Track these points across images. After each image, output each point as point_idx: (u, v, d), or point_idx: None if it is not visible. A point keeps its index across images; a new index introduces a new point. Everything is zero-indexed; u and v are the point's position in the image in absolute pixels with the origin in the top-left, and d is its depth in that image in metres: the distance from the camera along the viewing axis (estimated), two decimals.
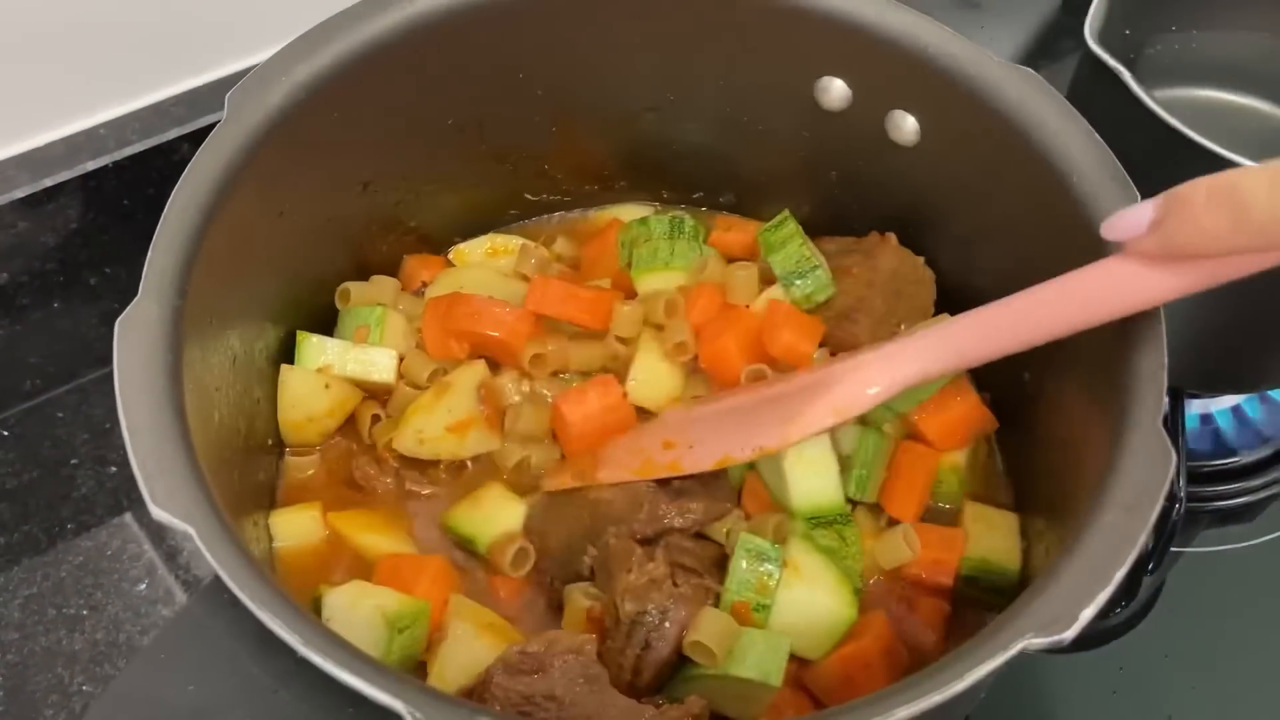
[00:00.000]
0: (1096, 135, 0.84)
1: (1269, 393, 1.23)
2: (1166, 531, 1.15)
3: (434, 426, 0.94)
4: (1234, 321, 1.09)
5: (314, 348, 0.95)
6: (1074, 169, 0.82)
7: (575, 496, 0.89)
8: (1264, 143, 1.14)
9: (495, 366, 0.99)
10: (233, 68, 1.16)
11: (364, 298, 0.99)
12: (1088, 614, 0.63)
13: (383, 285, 1.02)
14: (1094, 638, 1.11)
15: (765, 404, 0.89)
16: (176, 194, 0.78)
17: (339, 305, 1.00)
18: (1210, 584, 1.14)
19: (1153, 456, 0.69)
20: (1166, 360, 0.73)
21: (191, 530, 0.65)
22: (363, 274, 1.03)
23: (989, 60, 0.87)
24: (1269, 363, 1.15)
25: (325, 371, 0.95)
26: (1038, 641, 0.62)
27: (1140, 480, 0.68)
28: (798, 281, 0.99)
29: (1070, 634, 0.62)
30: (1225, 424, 1.23)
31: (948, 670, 0.62)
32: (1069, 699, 1.06)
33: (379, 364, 0.97)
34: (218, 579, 0.66)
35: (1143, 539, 0.66)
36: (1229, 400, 1.23)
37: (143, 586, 1.06)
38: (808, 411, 0.86)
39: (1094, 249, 0.78)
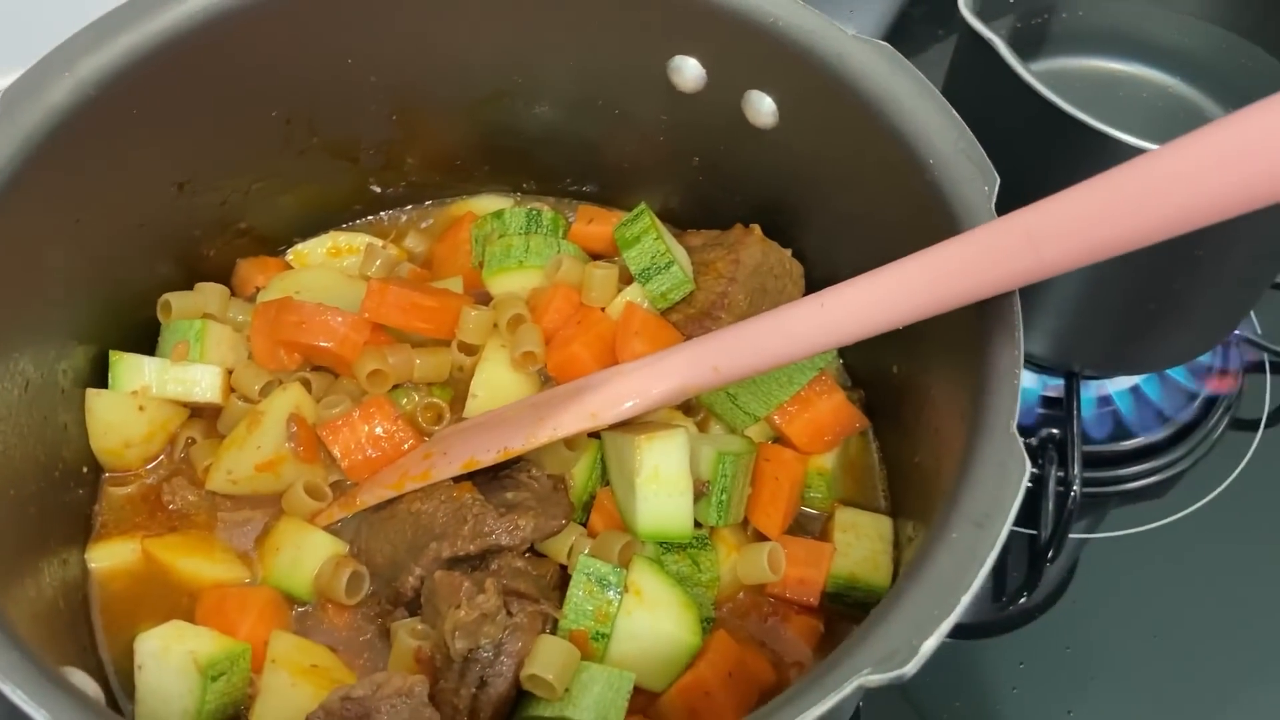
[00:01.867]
0: (953, 111, 0.78)
1: (1167, 372, 1.20)
2: (1063, 518, 1.12)
3: (243, 466, 0.86)
4: (1127, 302, 1.06)
5: (128, 368, 0.87)
6: (931, 151, 0.77)
7: (395, 511, 0.83)
8: (1153, 110, 1.10)
9: (330, 378, 0.92)
10: None
11: (186, 309, 0.92)
12: (929, 646, 0.57)
13: (207, 293, 0.94)
14: (1011, 620, 1.08)
15: (524, 409, 0.86)
16: None
17: (160, 319, 0.92)
18: (1121, 567, 1.11)
19: (1005, 466, 0.63)
20: (1021, 355, 0.68)
21: None
22: (193, 283, 0.95)
23: (841, 34, 0.81)
24: (1164, 342, 1.12)
25: (142, 393, 0.87)
26: (875, 679, 0.57)
27: (990, 492, 0.63)
28: (654, 279, 0.93)
29: (910, 668, 0.57)
30: (1124, 406, 1.20)
31: (781, 712, 0.56)
32: (979, 685, 1.04)
33: (201, 382, 0.89)
34: None
35: (991, 558, 0.60)
36: (1127, 381, 1.19)
37: None
38: (562, 415, 0.83)
39: (946, 229, 0.73)
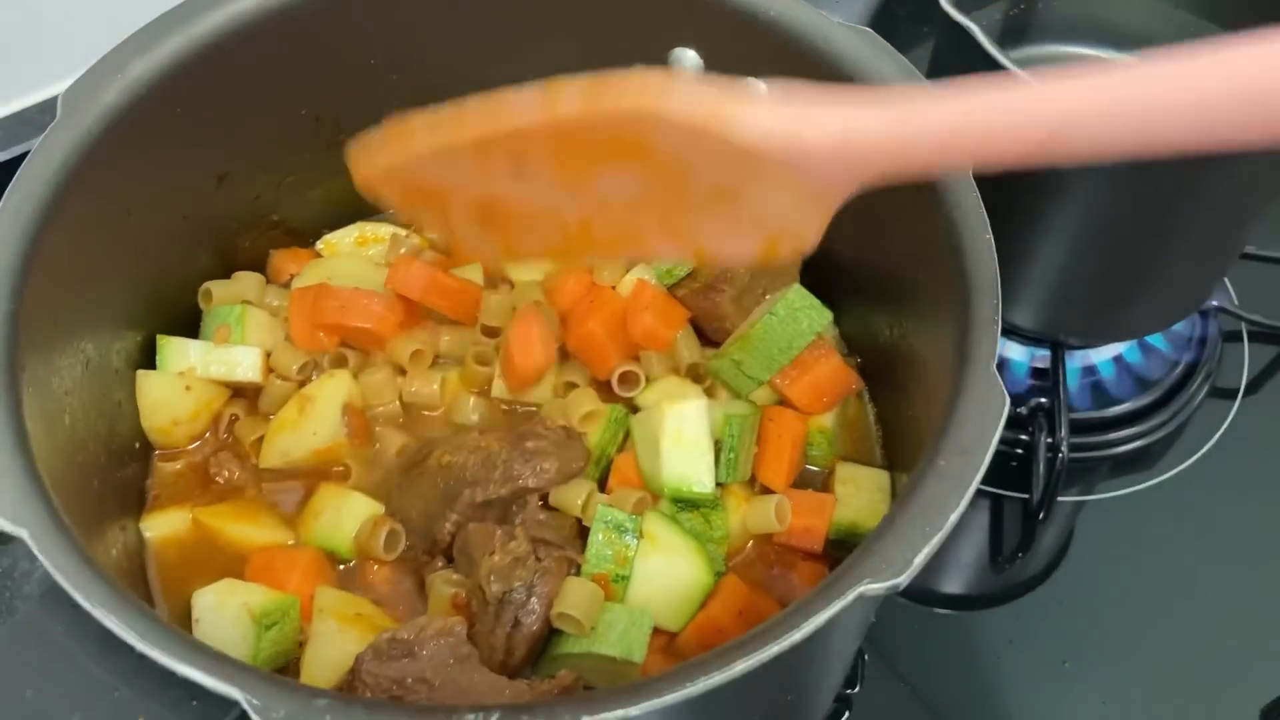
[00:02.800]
0: (932, 85, 0.84)
1: (1147, 339, 1.26)
2: (1053, 481, 1.18)
3: (300, 449, 0.93)
4: (1103, 272, 1.12)
5: (175, 351, 0.94)
6: None
7: (425, 468, 0.89)
8: None
9: (363, 355, 0.98)
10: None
11: (226, 296, 0.99)
12: (921, 559, 0.64)
13: (245, 281, 1.01)
14: (1012, 590, 1.14)
15: None
16: (7, 197, 0.77)
17: (202, 305, 0.99)
18: (1112, 528, 1.18)
19: (986, 398, 0.70)
20: (1000, 304, 0.74)
21: (24, 533, 0.64)
22: (229, 272, 1.02)
23: (828, 22, 0.88)
24: (1140, 310, 1.18)
25: (188, 374, 0.94)
26: (874, 587, 0.63)
27: (974, 424, 0.69)
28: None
29: (904, 579, 0.64)
30: (1108, 374, 1.26)
31: (786, 621, 0.63)
32: (974, 648, 1.09)
33: (243, 363, 0.96)
34: (55, 584, 0.65)
35: (975, 481, 0.67)
36: (1110, 350, 1.25)
37: None
38: None
39: (931, 207, 0.79)
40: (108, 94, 0.83)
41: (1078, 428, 1.21)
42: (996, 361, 0.72)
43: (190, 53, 0.87)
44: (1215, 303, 1.29)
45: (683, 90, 0.56)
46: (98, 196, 0.83)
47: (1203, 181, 1.01)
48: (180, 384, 0.94)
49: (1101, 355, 1.26)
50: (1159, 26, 1.20)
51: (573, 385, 0.97)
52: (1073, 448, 1.18)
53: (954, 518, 0.65)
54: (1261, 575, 1.14)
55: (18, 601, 1.04)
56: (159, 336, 0.94)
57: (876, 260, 0.94)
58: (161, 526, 0.92)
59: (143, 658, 0.61)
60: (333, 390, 0.94)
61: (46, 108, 1.13)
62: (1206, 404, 1.26)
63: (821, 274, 1.01)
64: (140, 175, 0.88)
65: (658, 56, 0.97)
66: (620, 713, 0.59)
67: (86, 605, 0.62)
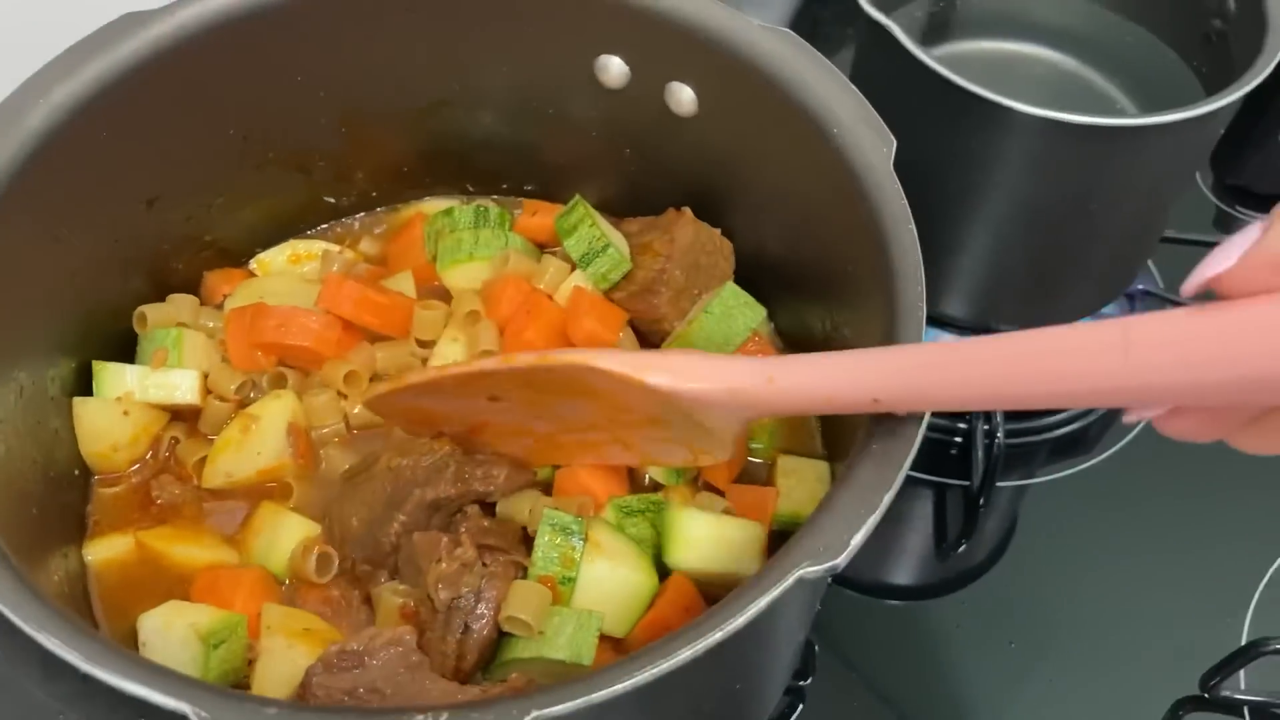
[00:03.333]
0: (851, 85, 0.87)
1: (1081, 321, 1.29)
2: (990, 466, 1.20)
3: (244, 469, 0.93)
4: (1031, 258, 1.15)
5: (112, 376, 0.93)
6: (834, 120, 0.85)
7: (372, 473, 0.89)
8: (1046, 83, 1.20)
9: (302, 374, 0.98)
10: None
11: (161, 319, 0.98)
12: (858, 539, 0.65)
13: (180, 304, 1.00)
14: (959, 578, 1.17)
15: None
16: None
17: (137, 330, 0.98)
18: (1051, 511, 1.21)
19: None
20: (924, 290, 0.76)
21: None
22: (163, 295, 1.01)
23: (747, 24, 0.90)
24: (1069, 295, 1.21)
25: (126, 399, 0.93)
26: (812, 570, 0.64)
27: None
28: (594, 262, 1.01)
29: (842, 560, 0.65)
30: None
31: (727, 608, 0.64)
32: (928, 636, 1.12)
33: (181, 386, 0.95)
34: None
35: (908, 461, 0.68)
36: None
37: None
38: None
39: (855, 201, 0.81)
40: (30, 119, 0.83)
41: (1014, 414, 1.24)
42: None
43: (114, 76, 0.86)
44: (1141, 286, 1.32)
45: (610, 355, 0.74)
46: (25, 223, 0.83)
47: (1122, 166, 1.04)
48: (118, 409, 0.93)
49: None
50: (1075, 21, 1.23)
51: None
52: (1010, 434, 1.21)
53: (888, 497, 0.67)
54: (1200, 547, 1.17)
55: None
56: (95, 362, 0.94)
57: (806, 256, 0.96)
58: (104, 551, 0.91)
59: (87, 679, 0.61)
60: (277, 410, 0.94)
61: None
62: None
63: (754, 271, 1.03)
64: (68, 200, 0.87)
65: (584, 65, 0.99)
66: (569, 705, 0.60)
67: (26, 628, 0.62)
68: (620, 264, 1.01)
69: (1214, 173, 1.51)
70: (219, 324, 1.00)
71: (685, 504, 0.90)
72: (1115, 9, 1.23)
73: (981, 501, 1.21)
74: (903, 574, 1.20)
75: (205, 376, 0.97)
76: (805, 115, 0.87)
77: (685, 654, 0.62)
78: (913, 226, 0.79)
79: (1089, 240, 1.14)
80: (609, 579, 0.84)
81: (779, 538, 0.92)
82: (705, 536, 0.86)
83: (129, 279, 0.98)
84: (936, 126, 1.05)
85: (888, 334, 0.76)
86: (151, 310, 0.98)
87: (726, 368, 0.73)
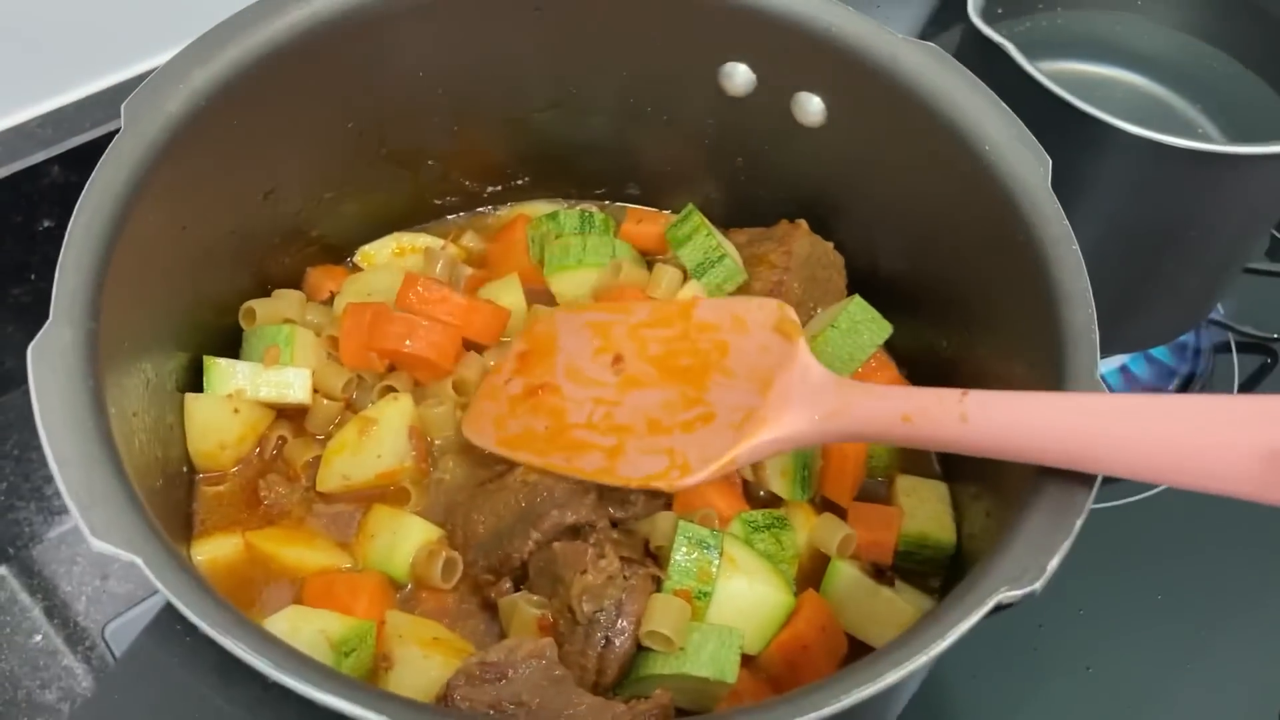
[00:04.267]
0: (1001, 102, 0.86)
1: (1150, 351, 1.29)
2: None
3: (362, 471, 0.91)
4: (1122, 281, 1.15)
5: (223, 373, 0.91)
6: (985, 137, 0.84)
7: (506, 483, 0.87)
8: (1131, 106, 1.20)
9: (410, 378, 0.96)
10: (101, 84, 1.10)
11: (270, 315, 0.95)
12: (1054, 563, 0.65)
13: (288, 299, 0.98)
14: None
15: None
16: (79, 211, 0.74)
17: (244, 325, 0.96)
18: (1112, 537, 1.18)
19: None
20: (1095, 314, 0.75)
21: (138, 559, 0.61)
22: (264, 291, 0.99)
23: (891, 36, 0.89)
24: (1151, 322, 1.21)
25: (237, 396, 0.91)
26: (1011, 594, 0.64)
27: None
28: (709, 272, 0.99)
29: (1040, 584, 0.64)
30: (1116, 383, 1.29)
31: (929, 631, 0.63)
32: (991, 662, 1.09)
33: (294, 384, 0.93)
34: (165, 612, 0.62)
35: (1096, 486, 0.68)
36: (1117, 361, 1.29)
37: (38, 639, 1.00)
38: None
39: (1008, 219, 0.80)
40: (170, 103, 0.80)
41: None
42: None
43: (248, 63, 0.84)
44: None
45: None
46: (160, 210, 0.80)
47: (1220, 194, 1.05)
48: (229, 407, 0.90)
49: (1109, 365, 1.29)
50: (1161, 46, 1.24)
51: None
52: None
53: (1079, 522, 0.66)
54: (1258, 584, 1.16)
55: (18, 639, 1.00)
56: (206, 358, 0.91)
57: (934, 272, 0.95)
58: (213, 550, 0.89)
59: (269, 686, 0.59)
60: (396, 413, 0.92)
61: (46, 122, 1.10)
62: None
63: (868, 285, 1.01)
64: (196, 188, 0.85)
65: (708, 72, 0.98)
66: None
67: (213, 633, 0.59)
68: (735, 275, 0.99)
69: None
70: (323, 320, 0.98)
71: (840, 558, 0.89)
72: (1202, 36, 1.23)
73: None
74: None
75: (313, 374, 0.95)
76: (952, 131, 0.86)
77: (891, 677, 0.60)
78: (1077, 248, 0.78)
79: (1180, 267, 1.14)
80: (746, 595, 0.83)
81: (901, 558, 0.92)
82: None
83: (237, 273, 0.96)
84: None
85: (1053, 359, 0.75)
86: (260, 305, 0.96)
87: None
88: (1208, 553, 1.18)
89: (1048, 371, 0.75)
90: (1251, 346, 1.35)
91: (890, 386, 0.80)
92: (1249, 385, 1.33)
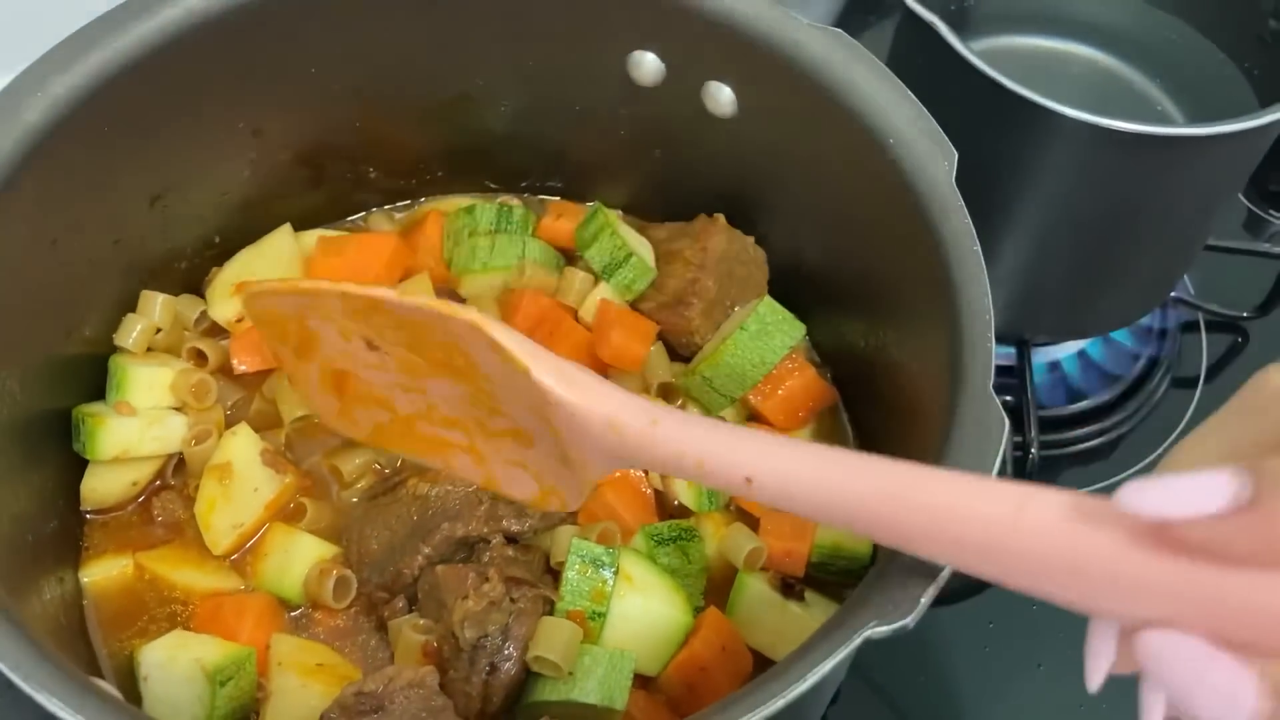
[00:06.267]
0: (909, 92, 0.82)
1: (1110, 335, 1.25)
2: (1025, 479, 1.16)
3: (249, 511, 0.88)
4: (1074, 267, 1.10)
5: (104, 436, 0.86)
6: (890, 129, 0.80)
7: (398, 496, 0.85)
8: (1085, 83, 1.15)
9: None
10: None
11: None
12: (927, 598, 0.61)
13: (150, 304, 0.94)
14: (965, 590, 1.11)
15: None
16: None
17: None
18: None
19: (985, 424, 0.67)
20: (992, 319, 0.71)
21: None
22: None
23: (796, 23, 0.84)
24: (1106, 306, 1.17)
25: (123, 456, 0.88)
26: (880, 630, 0.60)
27: (975, 448, 0.66)
28: (617, 273, 0.96)
29: (912, 620, 0.60)
30: (1072, 369, 1.25)
31: (791, 670, 0.59)
32: (946, 651, 1.06)
33: (176, 437, 0.90)
34: None
35: None
36: (1073, 346, 1.24)
37: None
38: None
39: (912, 215, 0.76)
40: (28, 113, 0.77)
41: (1041, 425, 1.19)
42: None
43: (116, 67, 0.80)
44: (1173, 294, 1.28)
45: (508, 331, 0.65)
46: (23, 225, 0.77)
47: (1174, 175, 1.00)
48: (118, 468, 0.89)
49: (1065, 350, 1.24)
50: (1115, 17, 1.18)
51: None
52: (1042, 445, 1.17)
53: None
54: None
55: None
56: (76, 413, 0.87)
57: (851, 268, 0.91)
58: (101, 572, 0.87)
59: None
60: (243, 445, 0.89)
61: None
62: (1169, 395, 1.25)
63: (789, 283, 0.98)
64: (68, 200, 0.81)
65: (616, 61, 0.93)
66: None
67: (26, 687, 0.56)
68: (645, 273, 0.96)
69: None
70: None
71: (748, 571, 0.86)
72: (1160, 5, 1.17)
73: None
74: None
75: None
76: (858, 122, 0.82)
77: None
78: (978, 247, 0.74)
79: (1133, 250, 1.09)
80: (642, 615, 0.80)
81: (815, 569, 0.88)
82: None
83: (129, 283, 0.93)
84: (977, 129, 0.99)
85: (952, 364, 0.71)
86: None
87: (615, 396, 0.64)
88: None
89: (944, 379, 0.71)
90: (1221, 325, 1.30)
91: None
92: (1218, 366, 1.29)
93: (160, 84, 0.84)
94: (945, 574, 0.61)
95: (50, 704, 0.56)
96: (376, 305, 0.68)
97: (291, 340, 0.75)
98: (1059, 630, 1.07)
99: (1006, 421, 0.67)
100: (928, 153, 0.78)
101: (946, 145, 0.79)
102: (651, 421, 0.62)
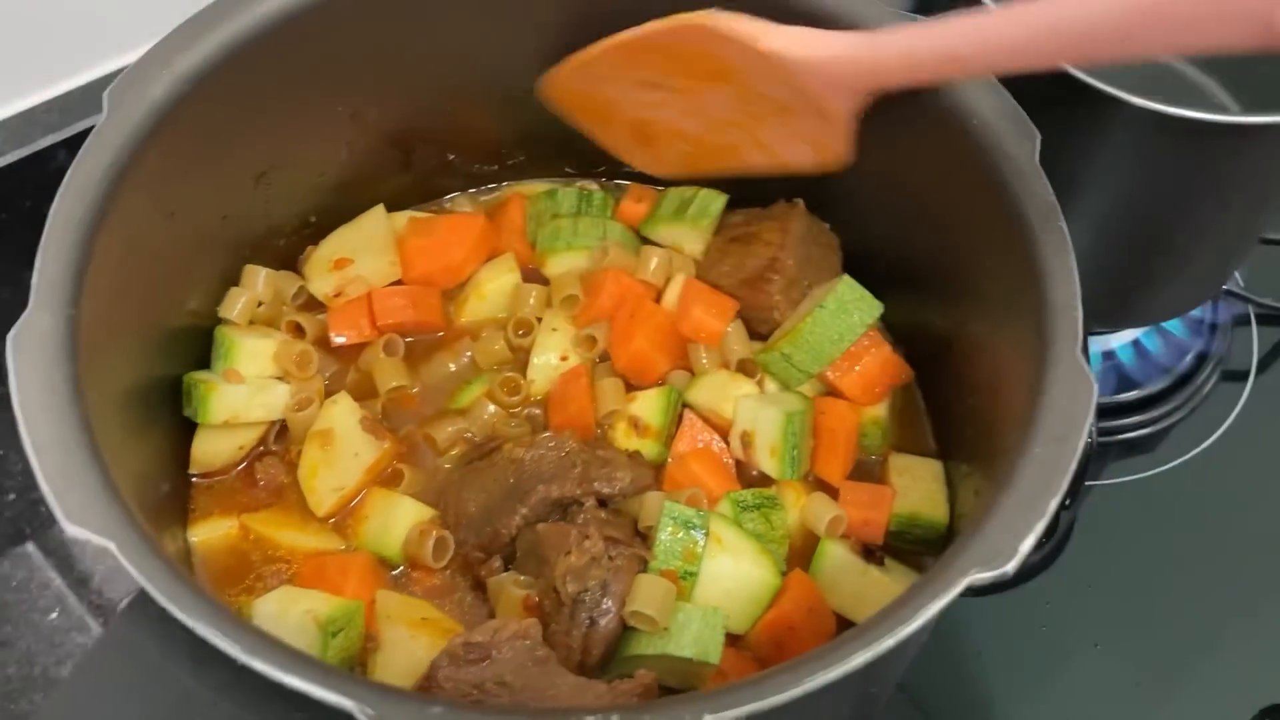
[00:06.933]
0: (991, 77, 0.84)
1: (1163, 325, 1.27)
2: (1080, 466, 1.18)
3: (351, 475, 0.92)
4: (1133, 255, 1.12)
5: (213, 402, 0.90)
6: (974, 114, 0.83)
7: (494, 460, 0.88)
8: (1140, 77, 1.17)
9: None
10: (107, 68, 1.11)
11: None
12: (1026, 545, 0.64)
13: (253, 277, 0.98)
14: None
15: None
16: (61, 197, 0.75)
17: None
18: (1121, 514, 1.17)
19: (1075, 386, 0.70)
20: (1079, 290, 0.74)
21: (111, 545, 0.62)
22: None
23: (882, 9, 0.88)
24: (1161, 295, 1.19)
25: (232, 421, 0.91)
26: (982, 576, 0.63)
27: (1065, 410, 0.69)
28: (690, 207, 1.02)
29: (1012, 566, 0.63)
30: (1126, 358, 1.27)
31: (898, 613, 0.62)
32: (1001, 636, 1.08)
33: (279, 404, 0.94)
34: (142, 595, 0.63)
35: (1073, 467, 0.67)
36: (1128, 335, 1.26)
37: (54, 616, 1.02)
38: None
39: (995, 196, 0.79)
40: (154, 89, 0.81)
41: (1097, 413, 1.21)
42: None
43: (233, 47, 0.84)
44: (1224, 286, 1.30)
45: (728, 17, 0.81)
46: (145, 197, 0.81)
47: (1234, 164, 1.02)
48: (225, 432, 0.92)
49: (1120, 339, 1.27)
50: None
51: None
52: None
53: (1054, 504, 0.65)
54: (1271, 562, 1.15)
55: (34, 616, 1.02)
56: (187, 380, 0.91)
57: (928, 251, 0.94)
58: (208, 532, 0.90)
59: (241, 670, 0.60)
60: (343, 412, 0.93)
61: (53, 107, 1.11)
62: (1219, 387, 1.26)
63: (867, 264, 1.00)
64: (184, 174, 0.85)
65: None
66: (740, 710, 0.58)
67: (183, 617, 0.60)
68: (716, 197, 1.02)
69: None
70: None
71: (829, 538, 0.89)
72: None
73: (1068, 502, 1.19)
74: None
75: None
76: (939, 107, 0.85)
77: (860, 658, 0.60)
78: (1063, 224, 0.77)
79: (1192, 240, 1.11)
80: (731, 575, 0.83)
81: (893, 537, 0.91)
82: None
83: (233, 258, 0.97)
84: (1040, 117, 1.02)
85: (1040, 335, 0.74)
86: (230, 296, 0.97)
87: (831, 36, 0.79)
88: (1217, 527, 1.17)
89: (1032, 349, 0.74)
90: (1272, 319, 1.32)
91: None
92: (1269, 360, 1.31)
93: (271, 65, 0.88)
94: (1041, 524, 0.65)
95: (208, 634, 0.59)
96: (642, 44, 0.85)
97: (593, 112, 0.95)
98: (1116, 610, 1.10)
99: (1095, 385, 0.70)
100: (1009, 134, 0.82)
101: (1029, 126, 0.82)
102: (870, 45, 0.76)
